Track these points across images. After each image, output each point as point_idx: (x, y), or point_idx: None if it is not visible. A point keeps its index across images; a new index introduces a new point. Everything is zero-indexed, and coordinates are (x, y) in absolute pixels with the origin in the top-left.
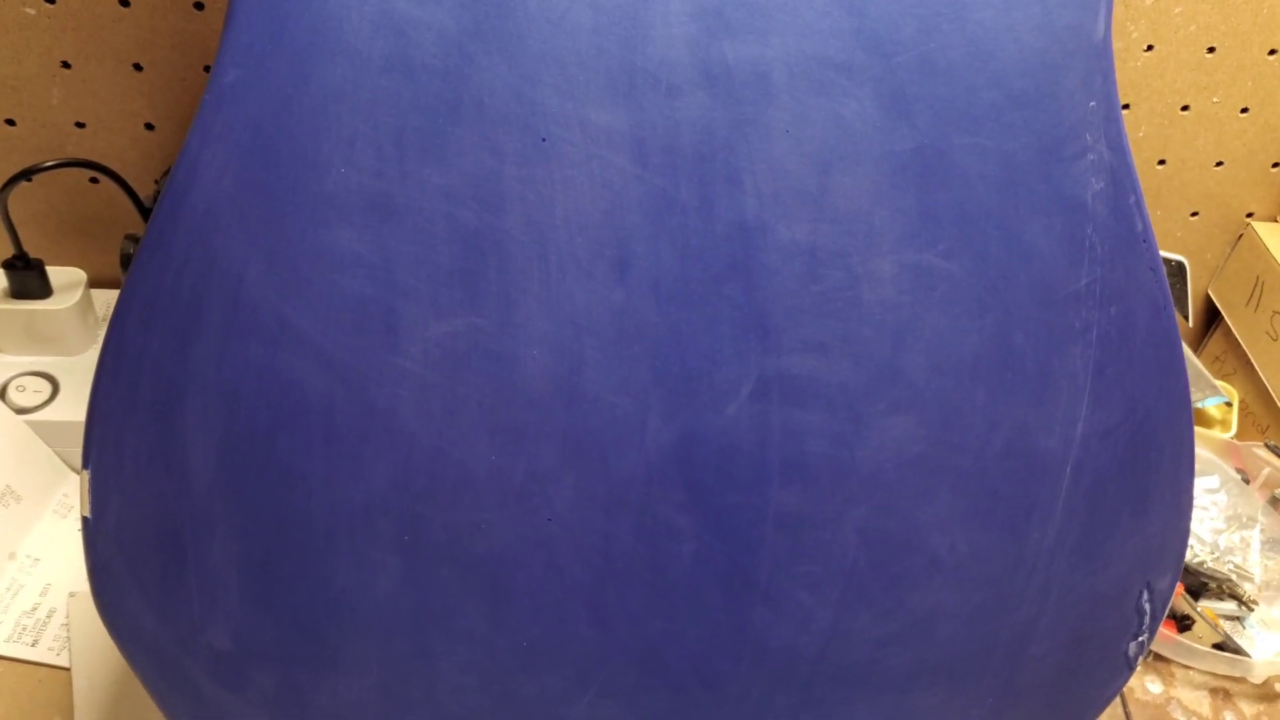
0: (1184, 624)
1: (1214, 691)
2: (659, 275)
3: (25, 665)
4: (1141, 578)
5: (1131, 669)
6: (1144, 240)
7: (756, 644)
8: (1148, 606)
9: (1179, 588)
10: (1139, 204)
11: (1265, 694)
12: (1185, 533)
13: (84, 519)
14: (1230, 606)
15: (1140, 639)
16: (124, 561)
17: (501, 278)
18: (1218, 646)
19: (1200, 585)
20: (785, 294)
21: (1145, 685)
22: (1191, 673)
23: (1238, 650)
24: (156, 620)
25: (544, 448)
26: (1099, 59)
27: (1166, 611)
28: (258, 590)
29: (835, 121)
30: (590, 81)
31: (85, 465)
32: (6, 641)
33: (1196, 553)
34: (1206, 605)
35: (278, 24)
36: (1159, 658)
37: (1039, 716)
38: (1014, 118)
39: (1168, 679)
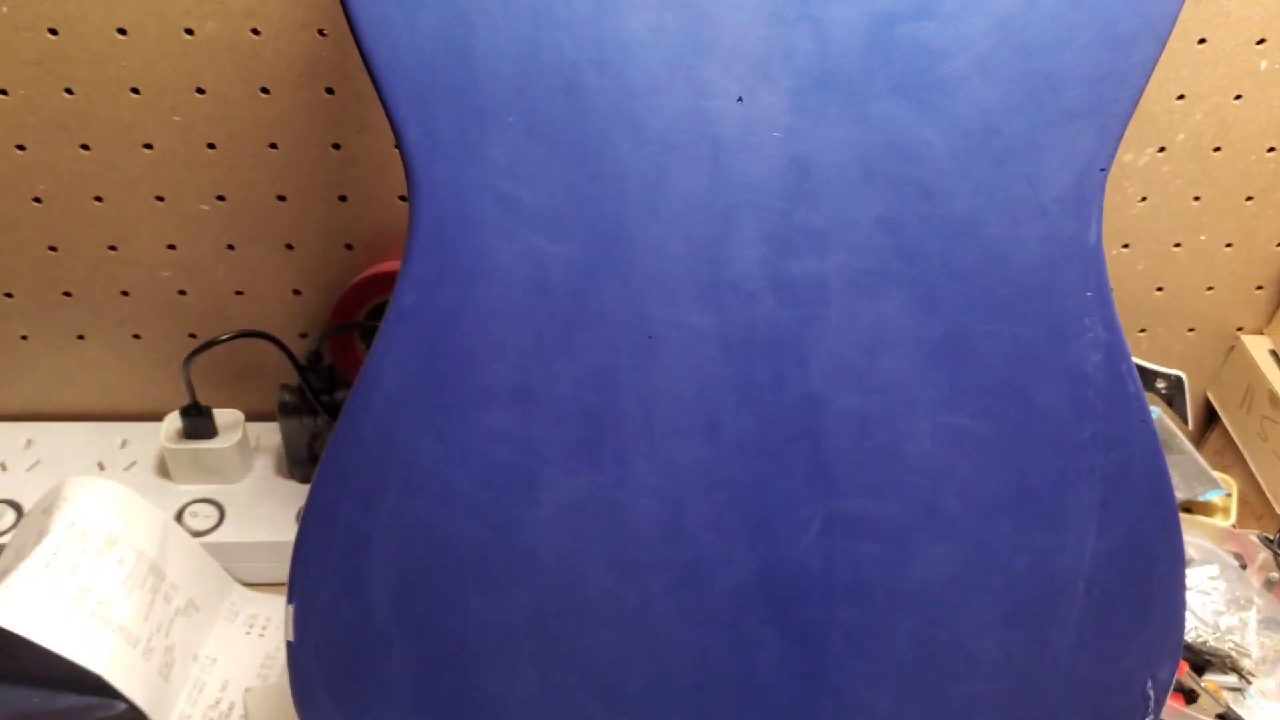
0: (1190, 697)
1: None
2: (742, 438)
3: None
4: (1146, 669)
5: None
6: (1136, 399)
7: None
8: (1152, 693)
9: (1183, 666)
10: (1131, 371)
11: None
12: (1181, 630)
13: (288, 642)
14: (1232, 680)
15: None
16: (321, 677)
17: (617, 444)
18: (1220, 717)
19: (1204, 662)
20: (843, 450)
21: None
22: None
23: (1239, 719)
24: None
25: (653, 576)
26: (1093, 259)
27: (1169, 694)
28: (424, 697)
29: (879, 316)
30: (685, 294)
31: (290, 600)
32: None
33: (1200, 633)
34: (1210, 679)
35: (445, 259)
36: None
37: None
38: (1025, 309)
39: None
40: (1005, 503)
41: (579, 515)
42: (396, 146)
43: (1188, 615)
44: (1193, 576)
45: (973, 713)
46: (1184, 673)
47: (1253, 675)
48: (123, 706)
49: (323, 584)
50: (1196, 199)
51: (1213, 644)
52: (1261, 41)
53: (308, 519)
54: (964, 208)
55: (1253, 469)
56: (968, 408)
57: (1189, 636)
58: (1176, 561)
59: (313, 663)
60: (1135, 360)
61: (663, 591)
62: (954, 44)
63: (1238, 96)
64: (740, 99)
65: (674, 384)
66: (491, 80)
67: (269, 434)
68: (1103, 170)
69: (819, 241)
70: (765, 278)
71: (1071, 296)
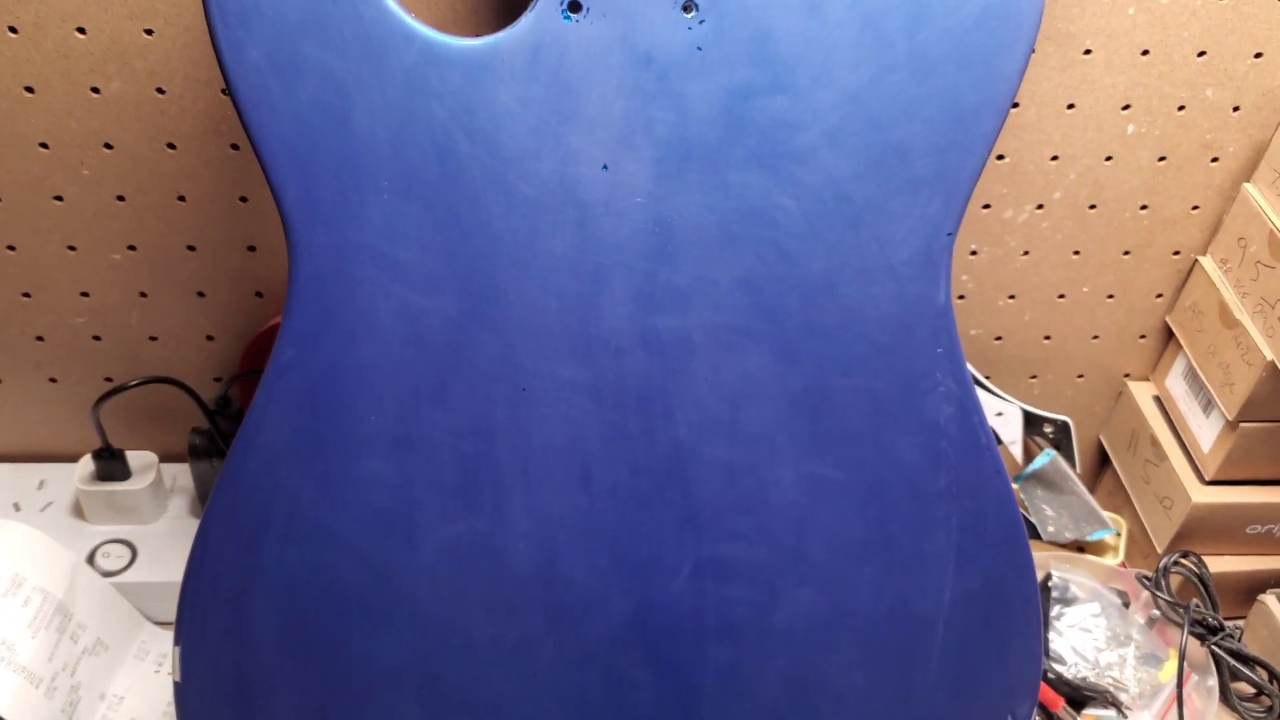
0: None
1: None
2: (615, 485)
3: None
4: (1006, 707)
5: None
6: (988, 449)
7: None
8: None
9: (1059, 700)
10: (982, 423)
11: None
12: (1038, 670)
13: (175, 683)
14: (1110, 715)
15: None
16: (208, 716)
17: (493, 491)
18: None
19: (1083, 697)
20: (711, 497)
21: None
22: None
23: None
24: None
25: (529, 619)
26: (942, 318)
27: None
28: None
29: (742, 371)
30: (557, 348)
31: (177, 642)
32: None
33: (1080, 669)
34: (1089, 714)
35: (323, 314)
36: None
37: None
38: (879, 364)
39: None
40: (866, 547)
41: (457, 560)
42: (276, 207)
43: (1069, 652)
44: (1075, 614)
45: None
46: (1059, 707)
47: (1129, 709)
48: None
49: (207, 626)
50: (1076, 253)
51: (1092, 680)
52: (1127, 107)
53: (193, 562)
54: (820, 269)
55: (1137, 510)
56: (829, 457)
57: (1069, 673)
58: (1031, 602)
59: (199, 704)
60: (1024, 405)
61: (540, 634)
62: (806, 116)
63: (1108, 158)
64: (605, 167)
65: (548, 434)
66: (368, 146)
67: (183, 475)
68: (949, 234)
69: (682, 300)
70: (633, 333)
71: (923, 353)
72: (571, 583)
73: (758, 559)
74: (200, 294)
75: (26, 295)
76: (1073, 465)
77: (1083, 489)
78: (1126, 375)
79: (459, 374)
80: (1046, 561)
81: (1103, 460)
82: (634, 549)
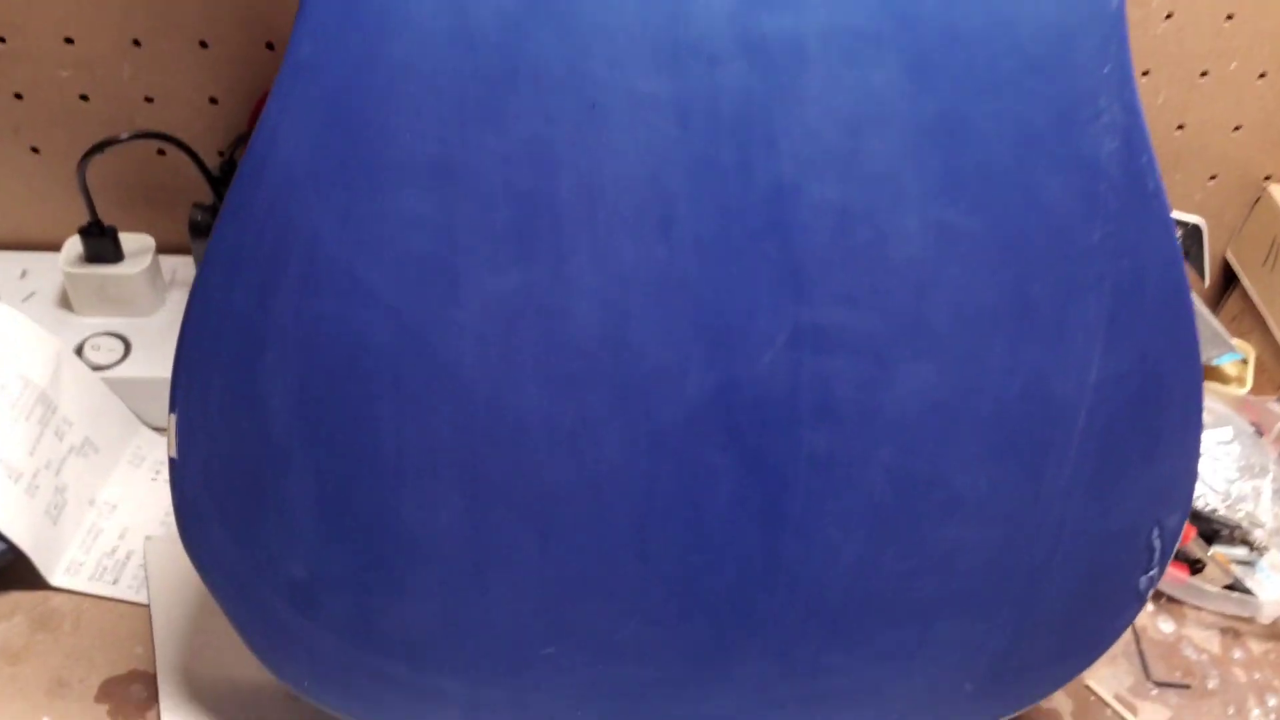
0: (1196, 567)
1: (1224, 631)
2: (700, 233)
3: (108, 602)
4: (1152, 516)
5: (1142, 602)
6: (1155, 198)
7: (789, 576)
8: (1158, 543)
9: (1190, 531)
10: (1151, 163)
11: (1273, 633)
12: (1193, 475)
13: (170, 459)
14: (1241, 552)
15: (1150, 574)
16: (208, 498)
17: (553, 236)
18: (1228, 589)
19: (1213, 531)
20: (818, 249)
21: (1158, 624)
22: (1203, 613)
23: (1247, 592)
24: (237, 552)
25: (592, 395)
26: (1114, 26)
27: (1176, 550)
28: (331, 524)
29: (864, 88)
30: (637, 52)
31: (172, 409)
32: (90, 580)
33: (1209, 501)
34: (1218, 550)
35: (349, 1)
36: (1171, 599)
37: (1055, 645)
38: (1032, 83)
39: (1179, 619)
40: (999, 315)
41: (507, 320)
42: None
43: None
44: (1203, 440)
45: (955, 561)
46: (1190, 539)
47: (1264, 548)
48: (2, 546)
49: (210, 391)
50: (1230, 18)
51: (1223, 513)
52: None
53: (192, 314)
54: None
55: (1274, 331)
56: (963, 200)
57: (1197, 504)
58: (1193, 394)
59: (199, 482)
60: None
61: (605, 414)
62: None
63: None
64: None
65: (621, 164)
66: None
67: (185, 268)
68: None
69: None
70: (731, 37)
71: (1086, 71)
72: (643, 353)
73: (868, 326)
74: (203, 44)
75: (1, 40)
76: (1201, 276)
77: (1205, 308)
78: (1267, 178)
79: (514, 83)
80: None
81: (1227, 281)
82: (720, 312)
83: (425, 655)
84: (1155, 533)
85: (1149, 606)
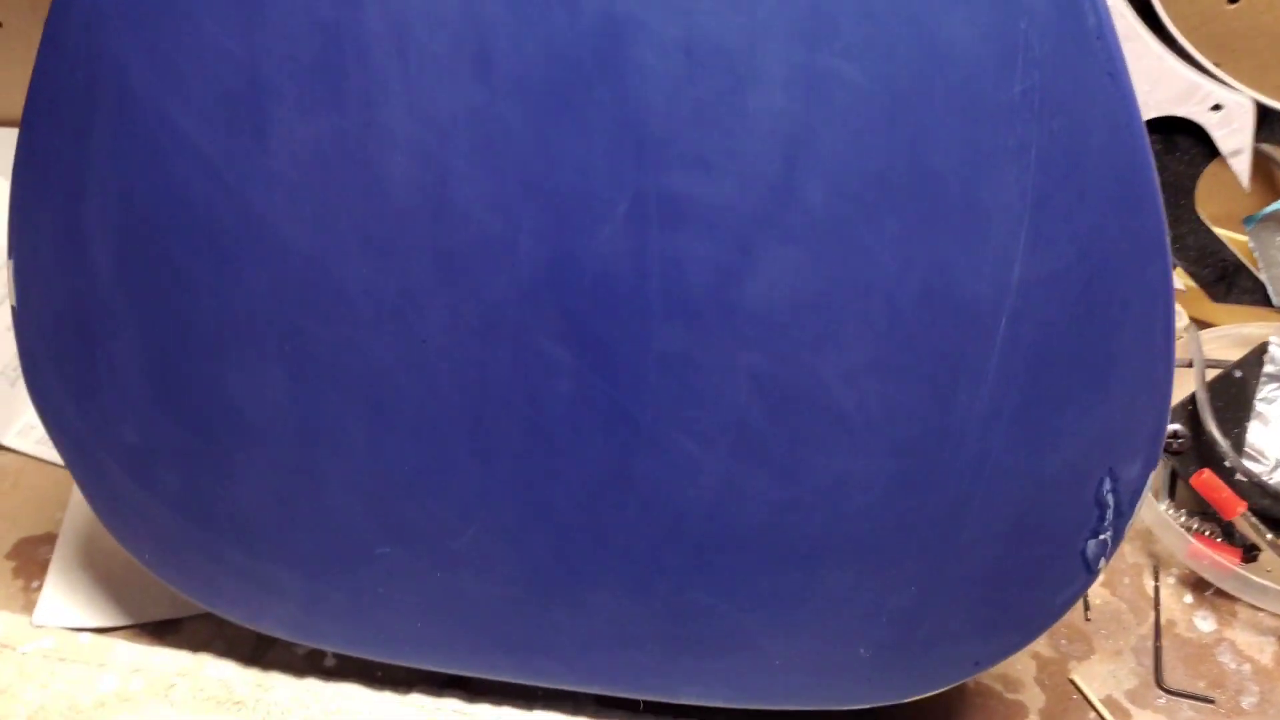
0: (1250, 554)
1: None
2: (523, 74)
3: (49, 466)
4: (1101, 462)
5: (1091, 572)
6: (1098, 38)
7: (642, 494)
8: (1110, 498)
9: (1238, 504)
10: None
11: None
12: (1162, 413)
13: (12, 307)
14: None
15: (1102, 537)
16: (46, 350)
17: (362, 75)
18: None
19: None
20: (661, 98)
21: (1194, 621)
22: (1261, 615)
23: None
24: (76, 409)
25: (415, 264)
26: None
27: (1138, 505)
28: (158, 388)
29: None
30: None
31: (10, 255)
32: (37, 444)
33: (1274, 470)
34: None
35: None
36: (1220, 594)
37: (975, 615)
38: None
39: (1226, 618)
40: (888, 189)
41: (321, 171)
42: None
43: (1268, 446)
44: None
45: (843, 496)
46: (1237, 513)
47: None
48: None
49: (41, 239)
50: None
51: None
52: None
53: (19, 155)
54: None
55: None
56: (838, 39)
57: (1263, 476)
58: (1158, 303)
59: (37, 334)
60: (1258, 96)
61: (429, 286)
62: None
63: None
64: None
65: None
66: None
67: None
68: None
69: None
70: None
71: None
72: (467, 215)
73: (725, 198)
74: None
75: None
76: None
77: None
78: None
79: None
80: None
81: None
82: (549, 171)
83: (259, 541)
84: (1106, 485)
85: (1186, 597)
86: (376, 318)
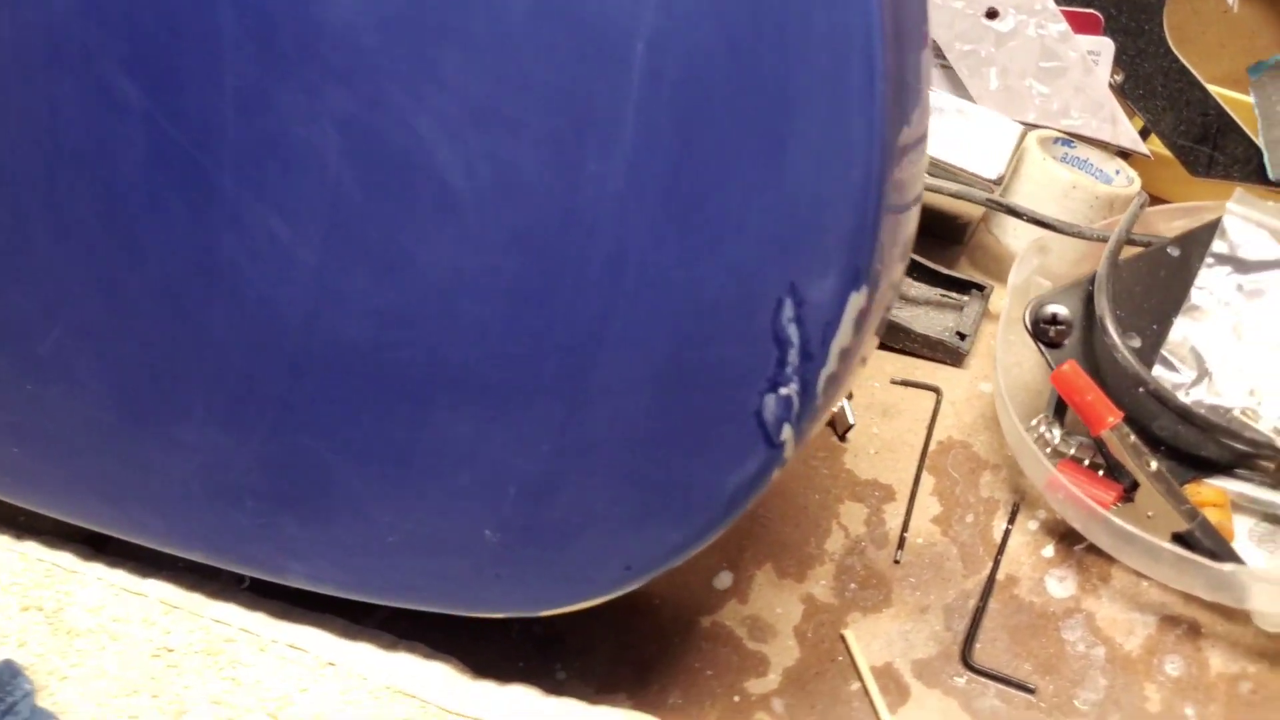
0: (1130, 494)
1: (1170, 622)
2: None
3: None
4: (780, 275)
5: (773, 445)
6: None
7: (231, 286)
8: (794, 333)
9: (1111, 415)
10: None
11: (1267, 649)
12: (867, 195)
13: None
14: (1268, 495)
15: (784, 391)
16: None
17: None
18: (1211, 554)
19: (1226, 452)
20: None
21: (1045, 581)
22: (1144, 586)
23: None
24: None
25: None
26: None
27: (835, 341)
28: None
29: None
30: None
31: None
32: None
33: (1220, 392)
34: (1219, 484)
35: None
36: (1095, 552)
37: (621, 496)
38: None
39: (1093, 583)
40: None
41: None
42: None
43: (1199, 349)
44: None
45: (452, 304)
46: (1108, 425)
47: None
48: None
49: None
50: None
51: (1240, 415)
52: None
53: None
54: None
55: None
56: None
57: (1206, 398)
58: (856, 21)
59: None
60: None
61: None
62: None
63: None
64: None
65: None
66: None
67: None
68: None
69: None
70: None
71: None
72: None
73: None
74: None
75: None
76: None
77: None
78: None
79: None
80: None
81: None
82: None
83: None
84: (787, 309)
85: (1047, 549)
86: None
